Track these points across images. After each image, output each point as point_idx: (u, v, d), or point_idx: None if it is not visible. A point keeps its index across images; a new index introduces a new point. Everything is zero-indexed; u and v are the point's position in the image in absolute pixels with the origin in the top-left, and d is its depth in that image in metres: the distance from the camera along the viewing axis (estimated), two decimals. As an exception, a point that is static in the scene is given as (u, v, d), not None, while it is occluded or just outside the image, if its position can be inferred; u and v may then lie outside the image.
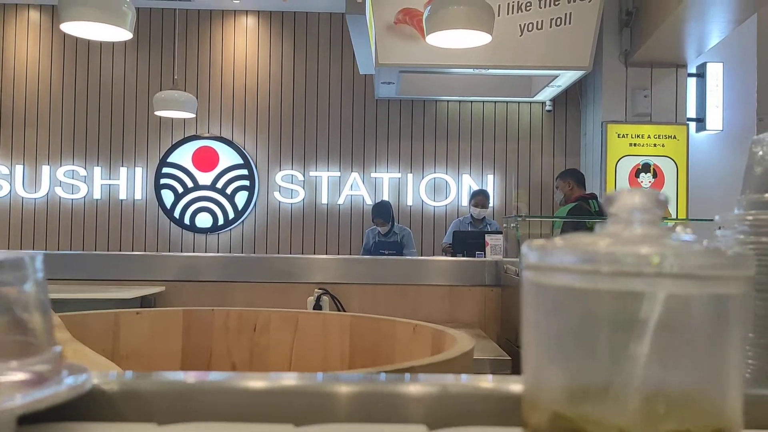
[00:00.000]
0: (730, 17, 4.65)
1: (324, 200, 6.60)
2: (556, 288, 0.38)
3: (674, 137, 5.65)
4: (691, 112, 5.85)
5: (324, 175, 6.61)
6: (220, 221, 6.60)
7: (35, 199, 6.58)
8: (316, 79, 6.63)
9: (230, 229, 6.63)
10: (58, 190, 6.57)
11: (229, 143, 6.60)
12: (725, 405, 0.37)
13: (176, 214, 6.59)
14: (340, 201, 6.60)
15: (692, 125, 5.84)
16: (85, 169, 6.60)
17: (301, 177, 6.61)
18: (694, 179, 5.67)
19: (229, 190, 6.59)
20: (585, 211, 4.32)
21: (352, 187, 6.59)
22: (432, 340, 1.10)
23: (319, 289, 2.86)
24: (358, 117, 6.62)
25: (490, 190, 6.37)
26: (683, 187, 5.67)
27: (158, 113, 5.45)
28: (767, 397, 0.55)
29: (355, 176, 6.59)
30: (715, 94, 5.83)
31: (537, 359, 0.39)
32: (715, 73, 5.83)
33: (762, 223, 0.66)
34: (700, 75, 5.87)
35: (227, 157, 6.59)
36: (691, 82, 5.85)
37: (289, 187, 6.61)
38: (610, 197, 0.40)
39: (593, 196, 4.56)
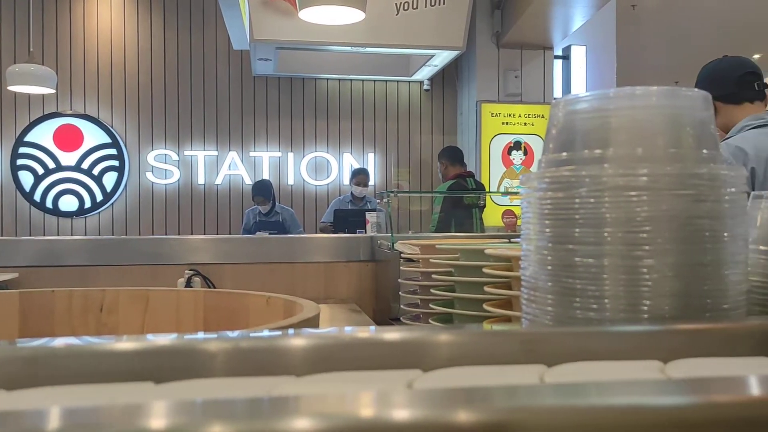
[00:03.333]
0: (591, 2, 4.92)
1: (201, 180, 6.37)
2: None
3: (542, 116, 5.93)
4: (558, 92, 6.17)
5: (200, 155, 6.37)
6: (87, 204, 6.20)
7: None
8: (189, 53, 6.35)
9: (99, 213, 6.25)
10: None
11: (94, 121, 6.19)
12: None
13: (37, 197, 6.11)
14: (218, 181, 6.40)
15: (559, 105, 6.15)
16: (-72, 149, 5.97)
17: (175, 156, 6.33)
18: (561, 156, 5.98)
19: (96, 171, 6.19)
20: (462, 188, 4.50)
21: (231, 167, 6.41)
22: (284, 310, 1.08)
23: (190, 270, 2.75)
24: (235, 94, 6.42)
25: (371, 169, 6.42)
26: (551, 164, 5.97)
27: (12, 88, 4.99)
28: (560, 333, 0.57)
29: (233, 155, 6.41)
30: (579, 76, 6.18)
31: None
32: (578, 55, 6.17)
33: (557, 180, 0.68)
34: (566, 57, 6.19)
35: (93, 135, 6.19)
36: (558, 64, 6.16)
37: (162, 167, 6.32)
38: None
39: (470, 174, 4.74)
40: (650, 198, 0.65)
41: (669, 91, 0.70)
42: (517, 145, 5.94)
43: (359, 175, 5.49)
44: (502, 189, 5.81)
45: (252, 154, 6.46)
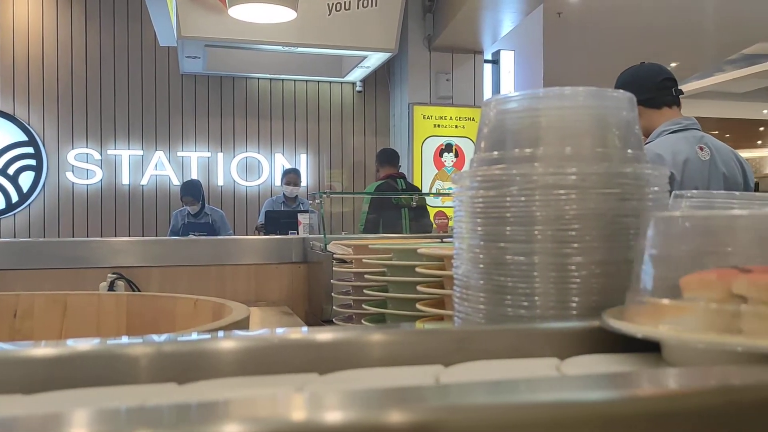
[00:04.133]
0: (519, 7, 5.05)
1: (125, 181, 6.14)
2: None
3: (473, 119, 6.03)
4: (488, 95, 6.29)
5: (125, 154, 6.14)
6: (1, 205, 5.87)
7: None
8: (112, 48, 6.11)
9: (14, 214, 5.93)
10: None
11: (9, 118, 5.87)
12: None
13: (-56, 198, 5.75)
14: (144, 182, 6.19)
15: (488, 108, 6.27)
16: None
17: (98, 156, 6.08)
18: (491, 159, 6.10)
19: (11, 171, 5.87)
20: (391, 188, 4.53)
21: (157, 167, 6.21)
22: (213, 313, 1.05)
23: (113, 273, 2.64)
24: (162, 92, 6.22)
25: (303, 170, 6.36)
26: (481, 166, 6.08)
27: None
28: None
29: (159, 155, 6.21)
30: (508, 80, 6.32)
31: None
32: (507, 60, 6.31)
33: (489, 178, 0.69)
34: (495, 62, 6.32)
35: (8, 133, 5.86)
36: (487, 68, 6.28)
37: (84, 166, 6.06)
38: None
39: (401, 175, 4.78)
40: (578, 196, 0.66)
41: (596, 92, 0.71)
42: (448, 148, 6.02)
43: (289, 175, 5.45)
44: (434, 191, 5.87)
45: (180, 153, 6.28)
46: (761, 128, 15.38)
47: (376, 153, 5.22)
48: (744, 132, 14.42)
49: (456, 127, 6.02)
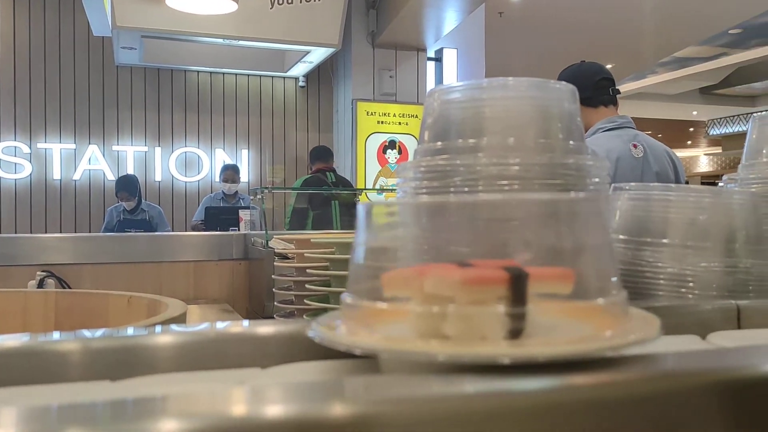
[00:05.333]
0: (461, 6, 5.09)
1: (56, 175, 5.90)
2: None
3: (416, 116, 6.06)
4: (431, 93, 6.33)
5: (56, 147, 5.89)
6: None
7: None
8: (43, 37, 5.85)
9: (-65, 211, 5.62)
10: None
11: (-70, 108, 5.55)
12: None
13: None
14: (77, 176, 5.95)
15: (431, 106, 6.32)
16: None
17: (26, 149, 5.81)
18: (434, 156, 6.16)
19: (-68, 164, 5.56)
20: (321, 182, 4.54)
21: (91, 161, 5.98)
22: (147, 310, 1.01)
23: (43, 271, 2.53)
24: (96, 84, 6.00)
25: (244, 166, 6.26)
26: (424, 163, 6.13)
27: None
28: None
29: (93, 149, 5.99)
30: (450, 78, 6.37)
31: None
32: (450, 58, 6.37)
33: (433, 169, 0.69)
34: (438, 59, 6.37)
35: (-72, 124, 5.55)
36: (431, 66, 6.32)
37: (11, 160, 5.78)
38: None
39: (331, 169, 4.77)
40: (521, 187, 0.66)
41: (539, 83, 0.71)
42: (392, 144, 6.03)
43: (228, 171, 5.35)
44: (377, 187, 5.87)
45: (115, 148, 6.07)
46: (691, 129, 16.07)
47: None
48: (675, 132, 15.04)
49: (399, 123, 6.04)
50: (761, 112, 0.99)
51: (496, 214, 0.48)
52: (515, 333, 0.40)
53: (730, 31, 8.75)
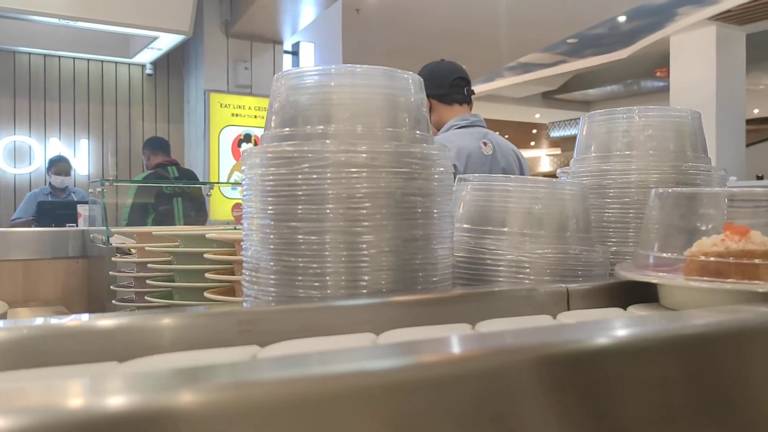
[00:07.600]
0: (318, 0, 5.07)
1: None
2: None
3: (272, 110, 5.97)
4: (287, 87, 6.25)
5: None
6: None
7: None
8: None
9: None
10: None
11: None
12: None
13: None
14: None
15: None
16: None
17: None
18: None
19: None
20: (163, 177, 4.32)
21: None
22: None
23: None
24: None
25: (83, 157, 5.81)
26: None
27: None
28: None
29: None
30: (307, 73, 6.33)
31: None
32: (307, 52, 6.33)
33: (280, 155, 0.67)
34: (295, 53, 6.31)
35: None
36: (287, 59, 6.24)
37: None
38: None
39: (173, 162, 4.55)
40: (369, 175, 0.66)
41: (387, 72, 0.71)
42: (247, 138, 5.88)
43: (59, 164, 4.90)
44: (231, 181, 5.70)
45: (-71, 134, 5.39)
46: (534, 130, 17.29)
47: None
48: (520, 134, 16.07)
49: (255, 117, 5.91)
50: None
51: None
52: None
53: (568, 41, 9.50)
